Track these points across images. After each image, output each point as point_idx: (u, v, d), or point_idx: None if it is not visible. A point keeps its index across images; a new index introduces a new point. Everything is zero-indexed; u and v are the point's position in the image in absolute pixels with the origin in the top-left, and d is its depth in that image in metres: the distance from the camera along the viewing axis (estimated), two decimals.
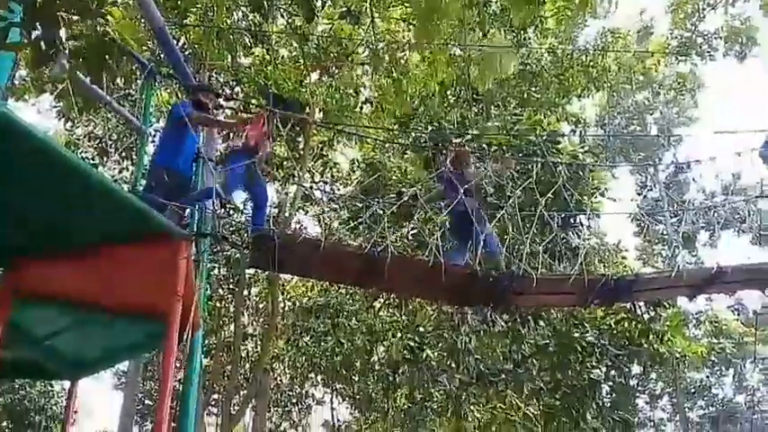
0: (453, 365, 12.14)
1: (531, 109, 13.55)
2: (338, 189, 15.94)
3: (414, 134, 12.63)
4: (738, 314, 16.12)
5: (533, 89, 13.82)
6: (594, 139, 16.37)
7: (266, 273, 15.48)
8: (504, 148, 11.46)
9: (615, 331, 11.78)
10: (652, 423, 18.73)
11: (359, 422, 16.24)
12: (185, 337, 4.99)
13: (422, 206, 8.30)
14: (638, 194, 16.86)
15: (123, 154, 13.61)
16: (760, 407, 16.89)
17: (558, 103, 14.30)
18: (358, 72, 14.02)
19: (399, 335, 12.44)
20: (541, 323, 11.95)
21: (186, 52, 11.43)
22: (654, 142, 15.90)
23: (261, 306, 17.70)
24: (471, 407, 12.12)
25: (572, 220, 11.71)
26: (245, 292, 16.73)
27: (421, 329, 12.21)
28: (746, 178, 16.92)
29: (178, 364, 4.69)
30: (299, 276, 13.26)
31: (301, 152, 14.80)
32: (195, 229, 5.29)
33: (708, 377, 17.65)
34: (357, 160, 15.14)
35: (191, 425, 5.08)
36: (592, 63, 14.16)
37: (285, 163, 14.58)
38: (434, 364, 12.29)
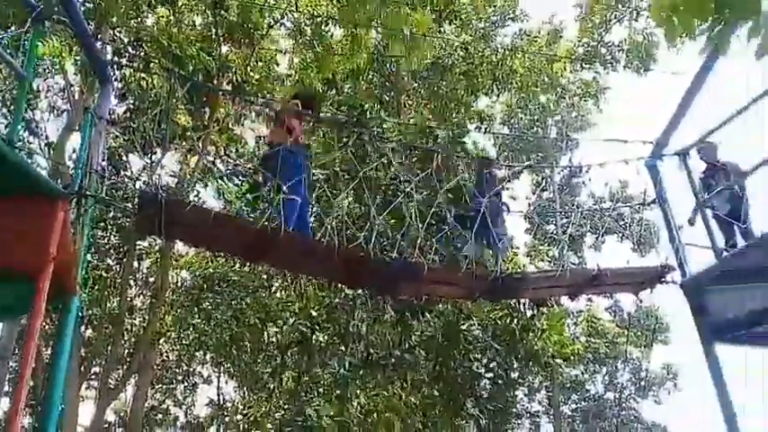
0: (343, 349, 12.18)
1: (440, 102, 13.75)
2: (243, 165, 15.56)
3: (330, 114, 12.50)
4: (615, 315, 17.12)
5: (443, 83, 13.99)
6: (499, 137, 16.84)
7: (159, 245, 14.97)
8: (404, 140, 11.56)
9: (498, 326, 12.17)
10: (529, 414, 19.53)
11: (244, 401, 16.03)
12: (60, 302, 4.70)
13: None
14: (533, 194, 17.53)
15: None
16: (627, 404, 18.03)
17: (465, 101, 14.55)
18: (279, 45, 13.75)
19: (292, 317, 12.35)
20: (430, 315, 12.19)
21: (87, 5, 10.79)
22: (553, 144, 16.50)
23: (151, 279, 17.10)
24: (357, 391, 12.20)
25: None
26: (136, 264, 16.11)
27: (314, 313, 12.16)
28: (634, 187, 17.96)
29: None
30: (188, 245, 12.90)
31: (206, 123, 14.36)
32: (77, 189, 4.97)
33: (582, 374, 18.61)
34: (265, 137, 14.83)
35: (59, 394, 4.80)
36: (501, 62, 14.49)
37: (188, 133, 14.08)
38: (324, 348, 12.29)
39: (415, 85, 14.93)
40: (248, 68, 13.51)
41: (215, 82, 12.98)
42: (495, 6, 15.31)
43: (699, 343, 8.12)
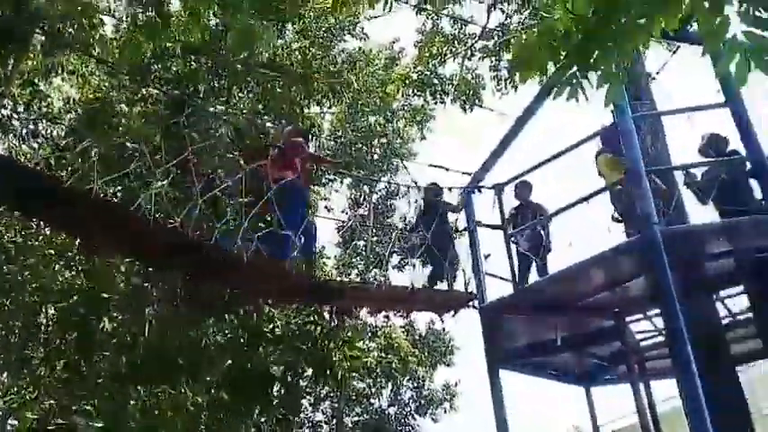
0: (130, 341, 11.34)
1: (272, 100, 13.47)
2: (46, 127, 14.00)
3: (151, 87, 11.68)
4: (407, 334, 17.81)
5: (278, 81, 13.74)
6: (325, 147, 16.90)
7: None
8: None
9: (301, 331, 12.09)
10: (311, 424, 19.56)
11: (3, 389, 14.27)
12: None
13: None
14: (350, 209, 17.83)
15: None
16: (406, 420, 18.76)
17: (298, 103, 14.41)
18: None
19: (76, 298, 11.25)
20: (233, 314, 11.79)
21: None
22: (375, 164, 16.86)
23: None
24: (138, 387, 11.41)
25: None
26: None
27: (105, 295, 11.16)
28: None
29: None
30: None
31: (8, 74, 12.73)
32: None
33: (369, 387, 19.05)
34: (73, 99, 13.51)
35: None
36: (336, 74, 14.58)
37: None
38: (111, 337, 11.34)
39: (249, 79, 14.51)
40: (67, 23, 12.23)
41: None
42: (336, 18, 15.38)
43: (483, 367, 8.67)
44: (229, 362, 11.72)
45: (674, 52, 11.99)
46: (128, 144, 10.01)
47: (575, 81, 3.54)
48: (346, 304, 8.58)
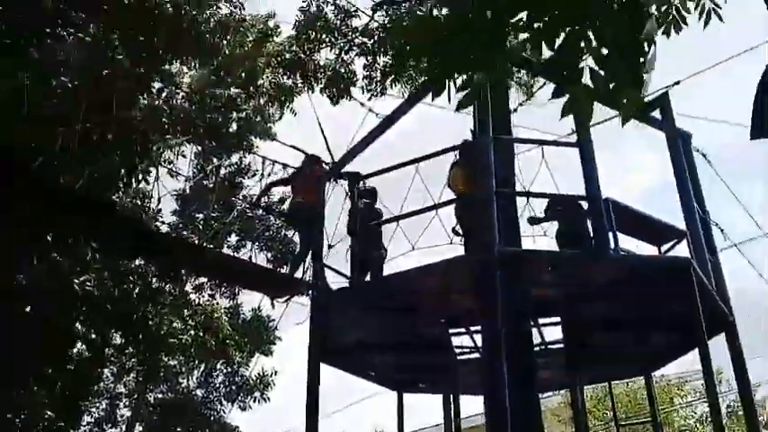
0: None
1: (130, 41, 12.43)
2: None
3: None
4: (232, 317, 17.23)
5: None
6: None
7: None
8: None
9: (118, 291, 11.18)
10: (109, 396, 18.36)
11: None
12: None
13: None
14: (194, 179, 17.01)
15: None
16: (212, 405, 18.13)
17: (161, 56, 13.42)
18: None
19: None
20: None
21: None
22: (230, 137, 16.21)
23: None
24: None
25: None
26: None
27: None
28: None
29: None
30: None
31: None
32: None
33: (180, 365, 18.16)
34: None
35: None
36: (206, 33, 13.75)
37: None
38: None
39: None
40: None
41: None
42: None
43: (305, 359, 8.49)
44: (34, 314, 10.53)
45: (529, 97, 12.63)
46: None
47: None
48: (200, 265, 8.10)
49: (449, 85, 3.36)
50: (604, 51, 2.93)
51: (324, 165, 9.88)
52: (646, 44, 2.97)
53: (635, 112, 2.99)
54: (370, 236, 8.93)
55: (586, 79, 2.98)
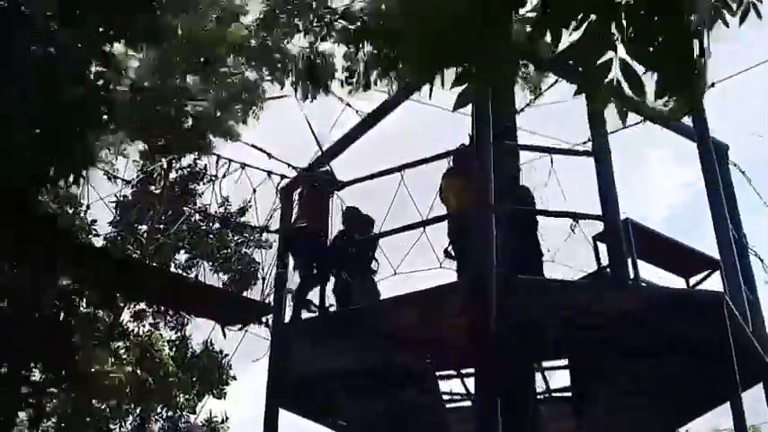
0: None
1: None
2: None
3: None
4: (177, 350, 17.09)
5: None
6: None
7: None
8: None
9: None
10: None
11: None
12: None
13: None
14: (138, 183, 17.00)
15: None
16: None
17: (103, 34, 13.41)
18: None
19: None
20: None
21: None
22: (184, 135, 16.18)
23: None
24: None
25: None
26: None
27: None
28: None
29: None
30: None
31: None
32: None
33: (109, 409, 17.94)
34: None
35: None
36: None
37: None
38: None
39: None
40: None
41: None
42: None
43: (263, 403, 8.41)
44: None
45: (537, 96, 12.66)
46: None
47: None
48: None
49: (441, 76, 3.34)
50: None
51: (327, 176, 9.66)
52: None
53: (684, 113, 2.95)
54: (356, 257, 8.93)
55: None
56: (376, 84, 13.83)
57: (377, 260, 9.06)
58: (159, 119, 15.77)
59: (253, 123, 16.05)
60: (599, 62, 2.88)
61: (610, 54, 2.86)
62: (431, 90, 3.35)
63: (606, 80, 2.89)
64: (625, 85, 2.86)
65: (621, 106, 2.96)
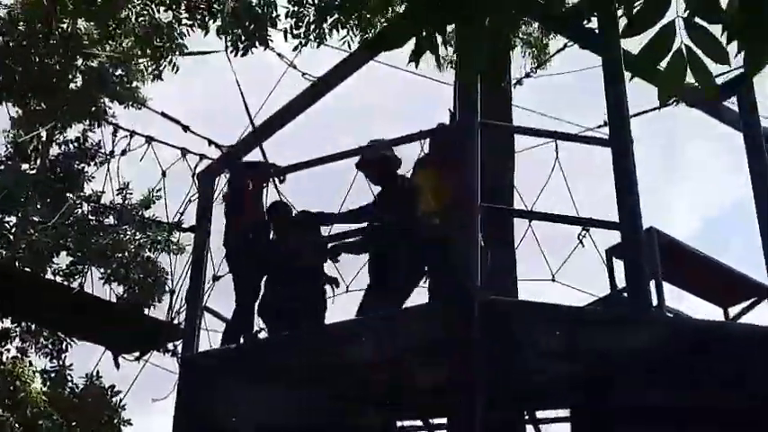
0: None
1: None
2: None
3: None
4: (50, 386, 16.96)
5: None
6: None
7: None
8: None
9: None
10: None
11: None
12: None
13: None
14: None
15: None
16: None
17: None
18: None
19: None
20: None
21: None
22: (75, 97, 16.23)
23: None
24: None
25: None
26: None
27: None
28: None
29: None
30: None
31: None
32: None
33: None
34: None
35: None
36: None
37: None
38: None
39: None
40: None
41: None
42: None
43: None
44: None
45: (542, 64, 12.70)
46: None
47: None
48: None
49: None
50: None
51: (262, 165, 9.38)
52: None
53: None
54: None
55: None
56: (331, 35, 13.71)
57: (331, 278, 9.05)
58: (37, 75, 15.59)
59: (168, 77, 15.89)
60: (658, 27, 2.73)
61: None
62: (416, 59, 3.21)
63: (671, 52, 2.74)
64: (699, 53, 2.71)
65: (704, 81, 2.79)
